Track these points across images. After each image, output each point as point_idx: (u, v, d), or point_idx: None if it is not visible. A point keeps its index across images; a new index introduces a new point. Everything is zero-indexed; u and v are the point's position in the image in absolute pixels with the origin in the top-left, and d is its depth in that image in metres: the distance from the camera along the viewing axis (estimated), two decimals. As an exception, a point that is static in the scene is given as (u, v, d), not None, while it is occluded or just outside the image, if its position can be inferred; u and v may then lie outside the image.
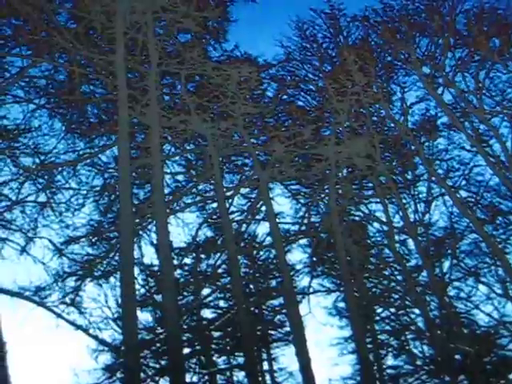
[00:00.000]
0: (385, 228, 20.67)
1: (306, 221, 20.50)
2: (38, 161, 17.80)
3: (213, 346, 19.92)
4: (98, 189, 18.58)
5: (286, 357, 20.83)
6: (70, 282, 17.53)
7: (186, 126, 18.07)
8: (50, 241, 17.44)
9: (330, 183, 19.35)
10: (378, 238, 21.34)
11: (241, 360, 19.80)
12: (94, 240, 18.22)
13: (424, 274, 19.85)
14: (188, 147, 19.83)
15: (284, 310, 19.14)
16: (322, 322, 20.20)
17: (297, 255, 23.27)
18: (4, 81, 17.80)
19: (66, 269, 17.65)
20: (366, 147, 19.53)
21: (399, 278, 19.98)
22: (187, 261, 19.98)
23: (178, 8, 17.79)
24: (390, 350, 20.63)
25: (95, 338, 16.79)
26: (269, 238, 19.83)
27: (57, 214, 17.84)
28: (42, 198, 17.85)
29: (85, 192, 18.29)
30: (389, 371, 20.40)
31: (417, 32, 22.29)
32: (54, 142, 18.40)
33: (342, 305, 21.01)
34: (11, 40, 18.33)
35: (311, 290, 20.01)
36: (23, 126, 18.12)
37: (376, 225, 21.20)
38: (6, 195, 17.39)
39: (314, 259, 20.48)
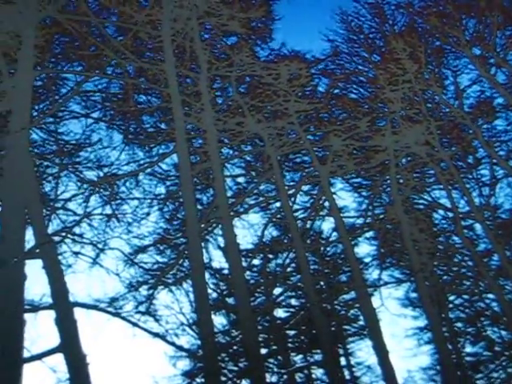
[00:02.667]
0: (450, 214, 20.33)
1: (369, 213, 20.32)
2: (101, 174, 18.16)
3: (289, 345, 19.92)
4: (161, 197, 18.78)
5: (362, 351, 20.77)
6: (143, 291, 17.74)
7: (242, 127, 18.12)
8: (121, 251, 17.69)
9: (391, 173, 19.10)
10: (445, 225, 20.98)
11: (318, 357, 19.80)
12: (161, 248, 18.45)
13: (495, 257, 19.45)
14: (246, 149, 19.88)
15: (357, 304, 18.99)
16: (396, 314, 19.91)
17: (364, 248, 23.20)
18: (60, 97, 18.21)
19: (138, 278, 17.88)
20: (424, 134, 19.25)
21: (470, 263, 19.54)
22: (255, 262, 20.03)
23: (222, 11, 17.89)
24: (467, 337, 20.27)
25: (172, 344, 16.90)
26: (335, 233, 19.79)
27: (124, 225, 18.12)
28: (108, 209, 18.12)
29: (149, 201, 18.52)
30: (468, 359, 20.10)
31: (463, 13, 21.88)
32: (114, 154, 18.75)
33: (414, 295, 20.77)
34: (62, 57, 18.74)
35: (382, 282, 19.73)
36: (83, 140, 18.49)
37: (441, 212, 20.86)
38: (72, 210, 17.72)
39: (382, 251, 20.22)
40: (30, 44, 14.83)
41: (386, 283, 20.03)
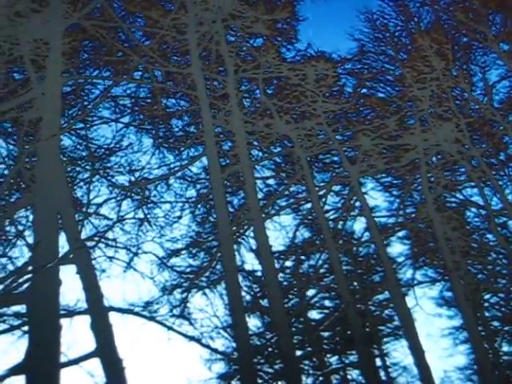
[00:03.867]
0: (483, 212, 20.07)
1: (401, 212, 20.14)
2: (132, 178, 18.24)
3: (324, 347, 19.81)
4: (192, 200, 18.80)
5: (398, 351, 20.55)
6: (177, 295, 17.74)
7: (270, 129, 18.09)
8: (155, 255, 17.73)
9: (421, 172, 18.95)
10: (478, 223, 20.70)
11: (353, 358, 19.66)
12: (194, 251, 18.45)
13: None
14: (275, 150, 19.82)
15: (391, 304, 18.81)
16: (431, 313, 19.70)
17: (397, 248, 22.92)
18: (89, 103, 18.33)
19: (172, 281, 17.90)
20: (453, 132, 19.04)
21: (504, 261, 19.26)
22: (288, 264, 19.91)
23: (247, 13, 17.88)
24: (504, 336, 19.98)
25: (208, 347, 16.86)
26: (367, 233, 19.63)
27: (156, 229, 18.15)
28: (140, 214, 18.19)
29: (181, 204, 18.56)
30: (505, 358, 19.80)
31: (490, 8, 21.64)
32: (145, 158, 18.84)
33: (448, 294, 20.51)
34: (90, 63, 18.88)
35: (415, 281, 19.54)
36: (114, 145, 18.60)
37: (474, 210, 20.59)
38: (104, 215, 17.78)
39: (415, 250, 20.03)
40: (58, 51, 14.93)
41: (420, 283, 19.82)
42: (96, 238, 16.68)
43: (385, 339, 20.70)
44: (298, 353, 18.84)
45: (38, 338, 11.30)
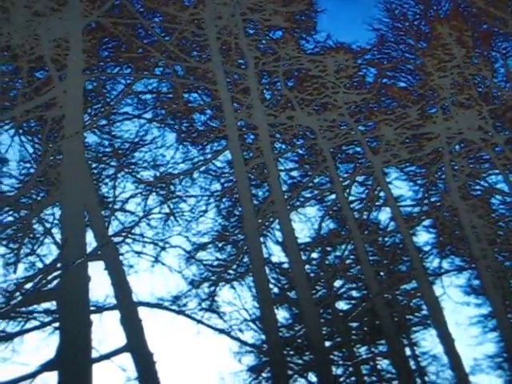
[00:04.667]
0: (508, 199, 19.91)
1: (426, 201, 20.02)
2: (157, 173, 18.27)
3: (353, 337, 19.79)
4: (217, 194, 18.83)
5: (427, 340, 20.51)
6: (205, 288, 17.79)
7: (292, 121, 18.07)
8: (183, 249, 17.81)
9: (445, 161, 18.81)
10: (503, 211, 20.53)
11: (383, 348, 19.64)
12: (220, 245, 18.49)
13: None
14: (298, 142, 19.77)
15: (418, 294, 18.74)
16: (459, 302, 19.66)
17: (423, 237, 22.81)
18: (112, 100, 18.41)
19: (200, 275, 17.96)
20: (476, 119, 18.88)
21: (532, 248, 19.08)
22: (314, 255, 19.91)
23: (265, 6, 17.87)
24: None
25: (237, 339, 16.91)
26: (392, 223, 19.55)
27: (182, 223, 18.20)
28: (165, 208, 18.24)
29: (206, 198, 18.59)
30: (536, 345, 19.61)
31: (509, -8, 21.43)
32: (169, 153, 18.91)
33: (476, 282, 20.42)
34: (111, 60, 18.95)
35: (442, 270, 19.43)
36: (137, 140, 18.66)
37: (499, 197, 20.42)
38: (130, 211, 17.85)
39: (441, 239, 19.91)
40: (78, 49, 14.95)
41: (447, 271, 19.68)
42: (123, 234, 16.75)
43: (413, 328, 20.67)
44: (327, 344, 18.86)
45: (69, 334, 11.31)
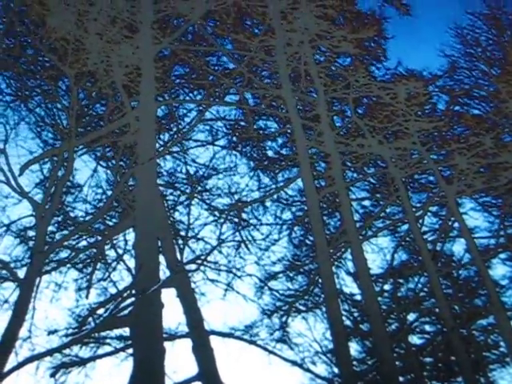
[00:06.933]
0: None
1: (502, 233, 19.37)
2: (230, 201, 18.29)
3: (426, 373, 19.20)
4: (289, 223, 18.64)
5: (505, 380, 19.68)
6: (276, 319, 17.56)
7: (363, 149, 17.80)
8: (258, 277, 17.67)
9: (522, 191, 18.26)
10: None
11: (457, 386, 18.99)
12: (291, 274, 18.27)
13: None
14: (369, 171, 19.50)
15: (496, 330, 18.06)
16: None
17: (500, 270, 22.10)
18: (184, 127, 18.54)
19: (271, 305, 17.76)
20: (554, 148, 18.29)
21: None
22: (386, 287, 19.49)
23: (333, 33, 17.77)
24: None
25: (310, 372, 16.59)
26: (467, 255, 18.97)
27: (254, 251, 18.05)
28: (237, 236, 18.14)
29: (278, 227, 18.41)
30: None
31: None
32: (242, 181, 18.87)
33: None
34: (181, 88, 19.10)
35: (522, 305, 18.73)
36: (210, 168, 18.68)
37: None
38: (202, 238, 17.78)
39: (520, 272, 19.27)
40: (151, 76, 15.15)
41: (527, 306, 19.01)
42: (198, 262, 16.66)
43: (491, 366, 19.88)
44: (400, 379, 18.34)
45: (143, 361, 11.29)
